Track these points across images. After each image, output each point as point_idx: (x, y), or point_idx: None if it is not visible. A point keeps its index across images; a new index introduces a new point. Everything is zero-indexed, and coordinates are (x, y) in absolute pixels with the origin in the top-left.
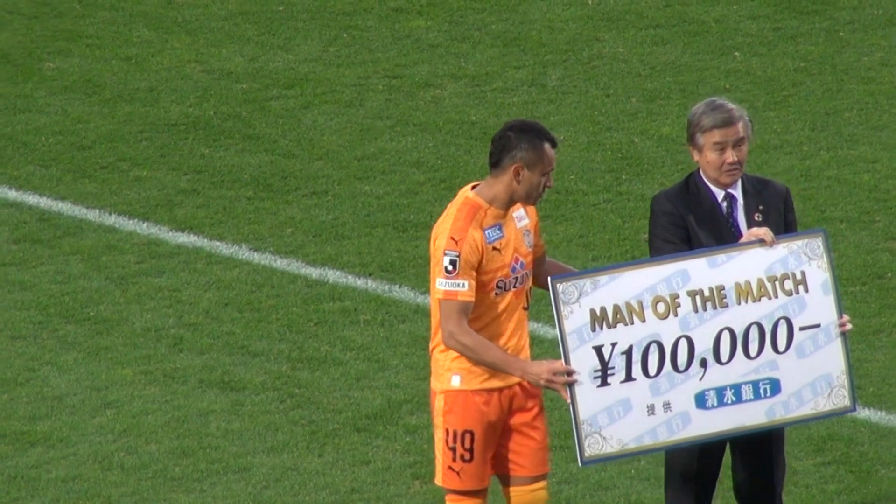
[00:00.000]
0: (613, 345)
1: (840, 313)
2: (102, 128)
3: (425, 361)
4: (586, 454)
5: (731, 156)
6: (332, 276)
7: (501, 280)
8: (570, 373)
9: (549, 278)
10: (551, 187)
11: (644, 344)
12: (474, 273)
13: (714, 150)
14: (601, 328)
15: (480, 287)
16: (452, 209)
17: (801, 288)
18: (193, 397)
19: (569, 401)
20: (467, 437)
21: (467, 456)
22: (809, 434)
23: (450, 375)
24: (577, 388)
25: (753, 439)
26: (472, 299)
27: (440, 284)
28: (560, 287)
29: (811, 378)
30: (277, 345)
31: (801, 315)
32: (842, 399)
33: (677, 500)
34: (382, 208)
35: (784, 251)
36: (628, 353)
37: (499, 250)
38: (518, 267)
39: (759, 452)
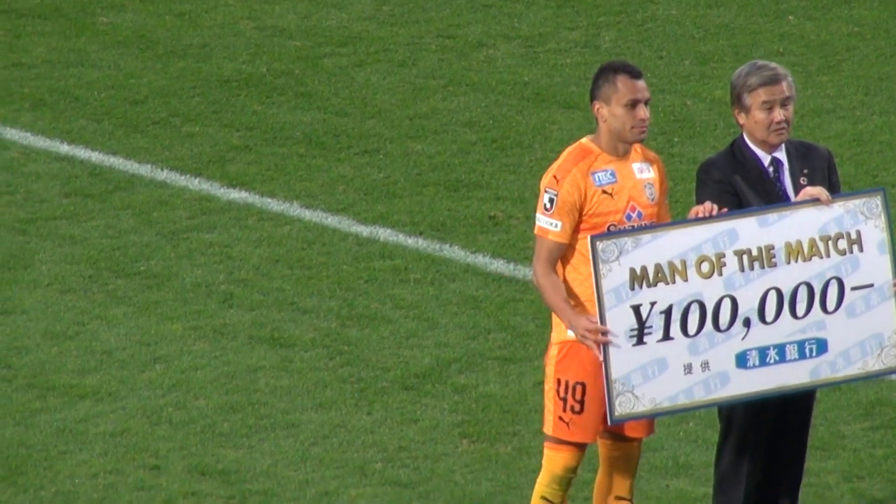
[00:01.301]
0: (653, 304)
1: None
2: (155, 83)
3: (475, 321)
4: (616, 412)
5: (779, 114)
6: (383, 234)
7: (614, 226)
8: (604, 332)
9: (589, 236)
10: (646, 119)
11: (685, 303)
12: (574, 216)
13: (762, 110)
14: (640, 287)
15: (592, 230)
16: (564, 152)
17: (855, 248)
18: (242, 353)
19: (601, 359)
20: (578, 388)
21: (577, 407)
22: (858, 398)
23: (567, 327)
24: (610, 347)
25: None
26: (564, 241)
27: (537, 220)
28: (600, 245)
29: (861, 338)
30: (327, 302)
31: (854, 275)
32: (893, 359)
33: (733, 466)
34: (434, 167)
35: (840, 210)
36: (668, 312)
37: (610, 194)
38: (634, 216)
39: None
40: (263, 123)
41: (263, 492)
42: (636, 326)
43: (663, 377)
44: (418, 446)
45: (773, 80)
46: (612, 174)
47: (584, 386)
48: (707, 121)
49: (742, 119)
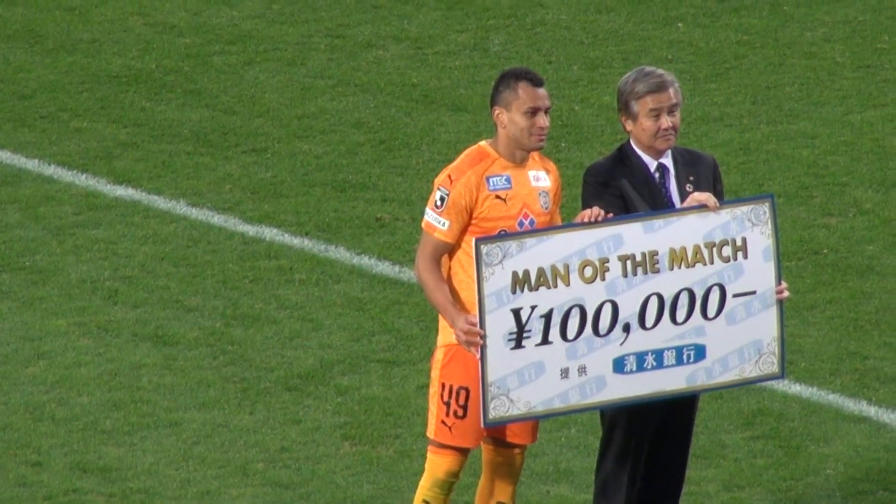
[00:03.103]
0: (533, 308)
1: (779, 280)
2: (43, 78)
3: (359, 323)
4: (490, 416)
5: (666, 121)
6: (269, 233)
7: (504, 231)
8: (481, 335)
9: (474, 239)
10: (545, 127)
11: (565, 308)
12: (463, 218)
13: (649, 117)
14: (522, 291)
15: (482, 233)
16: (463, 154)
17: (739, 254)
18: (126, 350)
19: (478, 358)
20: (462, 393)
21: (460, 412)
22: (740, 408)
23: (452, 330)
24: (488, 351)
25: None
26: (450, 241)
27: (426, 214)
28: (484, 249)
29: (739, 345)
30: (212, 301)
31: (737, 282)
32: (770, 366)
33: (615, 472)
34: (321, 168)
35: (727, 217)
36: (548, 316)
37: (503, 200)
38: (527, 223)
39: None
40: (151, 120)
41: (145, 490)
42: (515, 330)
43: (539, 381)
44: (300, 447)
45: (660, 87)
46: (508, 180)
47: (467, 391)
48: (595, 126)
49: (629, 126)
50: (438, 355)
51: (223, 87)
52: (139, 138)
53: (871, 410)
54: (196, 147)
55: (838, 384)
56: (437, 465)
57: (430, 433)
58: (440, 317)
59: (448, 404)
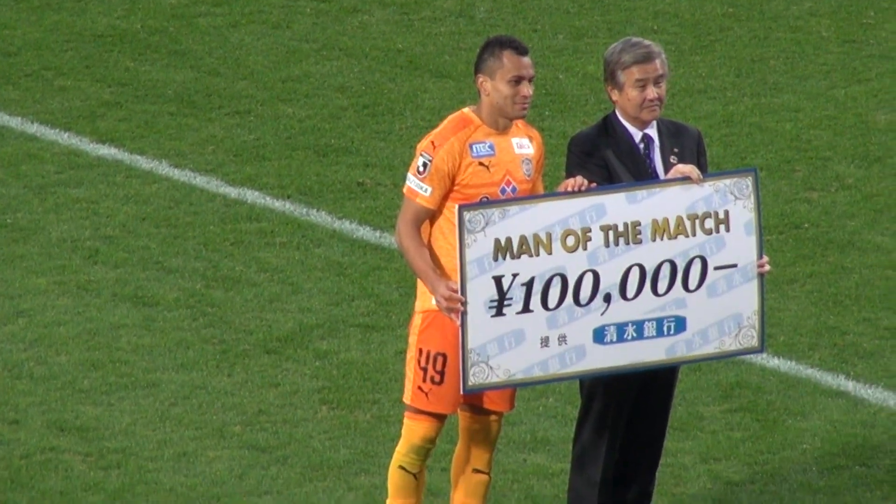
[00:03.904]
0: (515, 275)
1: (760, 254)
2: (28, 35)
3: (339, 287)
4: (470, 382)
5: (651, 92)
6: (251, 196)
7: (487, 198)
8: (462, 302)
9: (457, 205)
10: (528, 96)
11: (547, 276)
12: (445, 184)
13: (635, 87)
14: (504, 258)
15: (465, 200)
16: (446, 120)
17: (721, 227)
18: (106, 310)
19: (458, 325)
20: (439, 359)
21: (437, 378)
22: (717, 380)
23: (431, 295)
24: (468, 317)
25: (653, 410)
26: (431, 207)
27: (408, 180)
28: (467, 215)
29: (720, 317)
30: (192, 262)
31: (719, 254)
32: (749, 339)
33: (592, 442)
34: (304, 131)
35: (709, 189)
36: (529, 284)
37: (486, 167)
38: (509, 190)
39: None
40: (135, 80)
41: (121, 450)
42: (496, 297)
43: (519, 349)
44: (278, 410)
45: (647, 58)
46: (491, 147)
47: (445, 357)
48: (579, 95)
49: (615, 96)
50: (416, 321)
51: (208, 48)
52: (123, 98)
53: (849, 385)
54: (180, 108)
55: (817, 358)
56: (413, 430)
57: (407, 399)
58: (418, 282)
59: (425, 370)
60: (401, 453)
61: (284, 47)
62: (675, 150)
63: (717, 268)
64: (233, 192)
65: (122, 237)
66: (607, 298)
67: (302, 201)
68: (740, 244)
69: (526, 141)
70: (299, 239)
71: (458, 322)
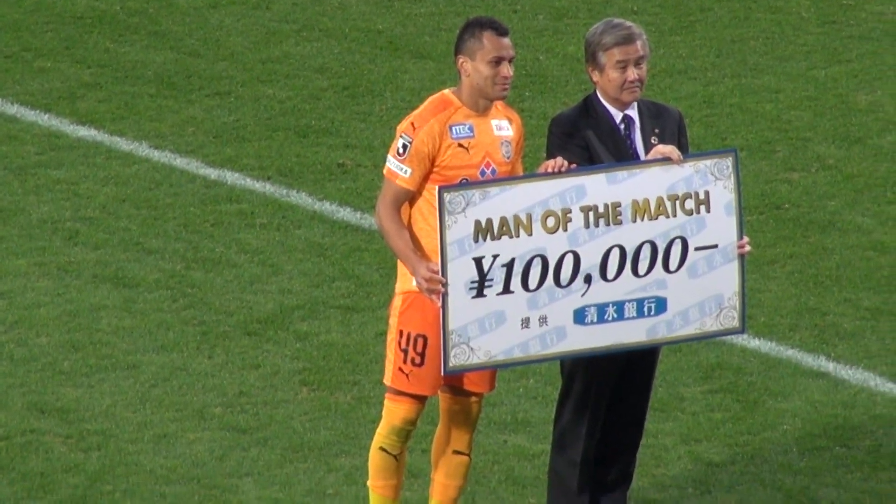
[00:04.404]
0: (495, 257)
1: (741, 235)
2: (8, 16)
3: (319, 269)
4: (451, 364)
5: (632, 73)
6: (231, 177)
7: (466, 180)
8: (443, 283)
9: (437, 187)
10: (509, 77)
11: (527, 258)
12: (425, 165)
13: (616, 69)
14: (484, 240)
15: (444, 182)
16: (426, 101)
17: (702, 208)
18: (86, 292)
19: (439, 306)
20: (420, 340)
21: (418, 360)
22: (698, 361)
23: (411, 277)
24: (449, 299)
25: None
26: (411, 188)
27: (388, 161)
28: (447, 197)
29: (700, 298)
30: (173, 244)
31: (699, 235)
32: (730, 320)
33: (573, 423)
34: (284, 112)
35: (690, 170)
36: (509, 265)
37: (465, 148)
38: (488, 172)
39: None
40: (115, 61)
41: (102, 432)
42: (477, 279)
43: (500, 330)
44: (258, 392)
45: (628, 39)
46: (470, 129)
47: (425, 338)
48: (559, 76)
49: (596, 77)
50: (396, 302)
51: (188, 29)
52: (103, 79)
53: (830, 366)
54: (159, 89)
55: (797, 339)
56: (393, 412)
57: (387, 380)
58: (399, 264)
59: (405, 352)
60: (381, 435)
61: (264, 28)
62: (656, 130)
63: (697, 248)
64: (213, 173)
65: (103, 218)
66: (588, 279)
67: (282, 182)
68: (721, 225)
69: (505, 123)
70: (279, 220)
71: (439, 303)
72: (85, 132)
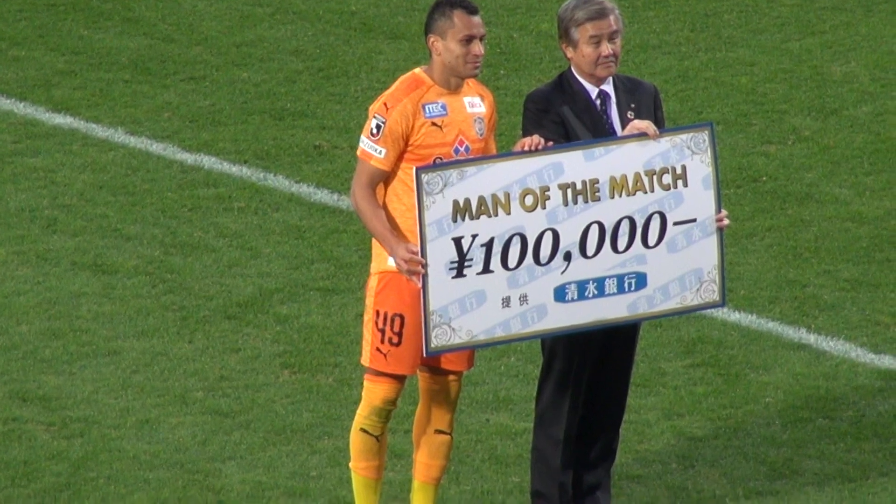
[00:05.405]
0: (474, 236)
1: (719, 208)
2: None
3: (298, 251)
4: (432, 344)
5: (606, 48)
6: (208, 162)
7: (440, 158)
8: (422, 264)
9: (414, 168)
10: (480, 55)
11: (506, 236)
12: (399, 145)
13: (590, 44)
14: (463, 219)
15: (418, 161)
16: (397, 81)
17: (679, 182)
18: (65, 279)
19: (420, 287)
20: (397, 320)
21: (395, 339)
22: (679, 336)
23: (387, 256)
24: (429, 279)
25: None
26: (386, 168)
27: (361, 143)
28: (425, 177)
29: (680, 273)
30: (151, 229)
31: (677, 210)
32: (711, 294)
33: (554, 401)
34: (259, 96)
35: (667, 145)
36: (489, 244)
37: (439, 126)
38: (462, 150)
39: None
40: (90, 48)
41: (84, 419)
42: (456, 259)
43: (481, 310)
44: (239, 376)
45: (601, 14)
46: (443, 107)
47: (402, 318)
48: (533, 53)
49: (570, 53)
50: (372, 283)
51: (161, 14)
52: (77, 66)
53: (811, 338)
54: (134, 75)
55: (777, 312)
56: (373, 393)
57: (366, 361)
58: (374, 244)
59: (383, 331)
60: (362, 416)
61: (238, 12)
62: (632, 105)
63: (676, 223)
64: (189, 158)
65: (80, 206)
66: (567, 257)
67: (259, 166)
68: (698, 199)
69: (477, 100)
70: (257, 203)
71: (419, 284)
72: (61, 119)
